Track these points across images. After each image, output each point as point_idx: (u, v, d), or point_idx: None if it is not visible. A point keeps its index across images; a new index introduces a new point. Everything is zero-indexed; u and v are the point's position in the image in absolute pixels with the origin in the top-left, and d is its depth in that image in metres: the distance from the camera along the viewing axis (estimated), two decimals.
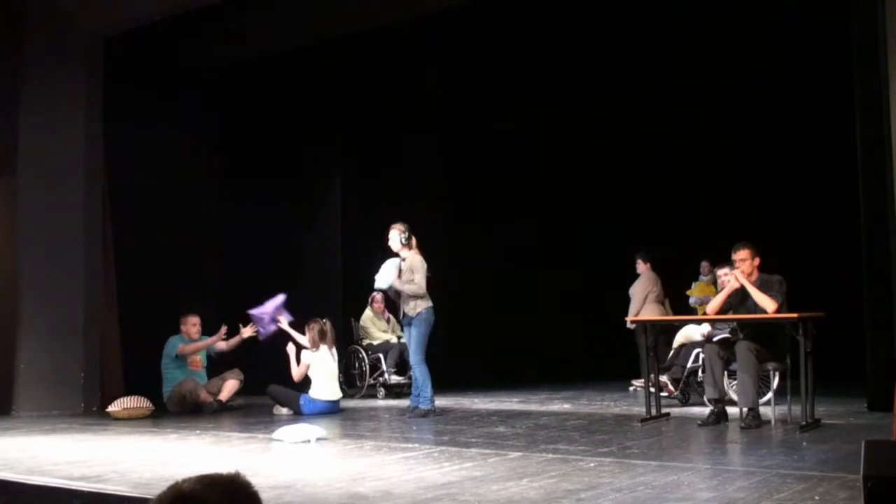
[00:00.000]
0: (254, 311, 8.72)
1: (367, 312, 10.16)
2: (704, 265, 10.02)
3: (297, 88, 10.74)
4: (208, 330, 9.07)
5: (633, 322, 8.79)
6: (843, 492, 3.89)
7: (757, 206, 11.13)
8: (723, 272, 7.40)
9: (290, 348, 8.32)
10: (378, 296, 10.15)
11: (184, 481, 1.56)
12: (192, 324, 8.92)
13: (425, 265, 7.70)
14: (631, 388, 9.89)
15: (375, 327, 10.12)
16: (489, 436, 6.23)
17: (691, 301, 9.89)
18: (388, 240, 7.83)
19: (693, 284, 10.07)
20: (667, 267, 10.64)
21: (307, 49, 10.25)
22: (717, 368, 6.48)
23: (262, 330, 8.69)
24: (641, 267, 10.15)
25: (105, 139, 9.30)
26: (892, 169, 6.78)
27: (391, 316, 10.27)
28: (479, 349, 11.21)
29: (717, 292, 7.32)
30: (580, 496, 3.94)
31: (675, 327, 8.41)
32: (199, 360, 8.91)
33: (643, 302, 9.89)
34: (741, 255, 6.55)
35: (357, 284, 10.29)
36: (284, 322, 8.56)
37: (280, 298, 8.66)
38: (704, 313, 7.69)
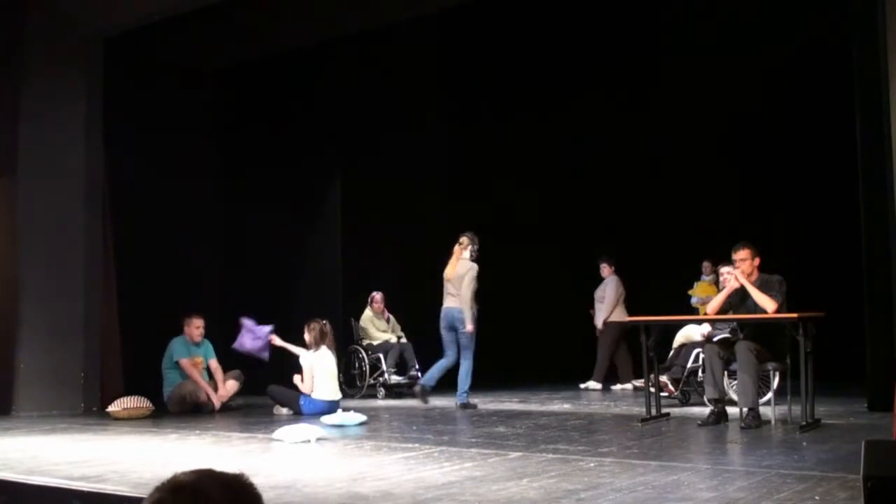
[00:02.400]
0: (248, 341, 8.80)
1: (367, 312, 10.16)
2: (706, 265, 10.06)
3: (298, 88, 10.74)
4: (209, 331, 9.07)
5: (630, 323, 8.82)
6: (843, 492, 3.89)
7: (757, 206, 11.12)
8: (725, 270, 7.42)
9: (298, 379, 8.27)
10: (378, 296, 10.15)
11: (183, 473, 1.56)
12: (196, 326, 8.91)
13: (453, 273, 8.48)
14: (583, 386, 10.21)
15: (375, 327, 10.12)
16: (489, 436, 6.23)
17: (693, 301, 9.91)
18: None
19: (695, 284, 10.09)
20: (668, 267, 10.65)
21: (307, 49, 10.24)
22: (717, 368, 6.48)
23: (253, 344, 8.76)
24: (607, 271, 10.58)
25: (105, 139, 9.30)
26: (892, 169, 6.78)
27: (391, 316, 10.28)
28: (480, 349, 11.20)
29: (718, 292, 7.32)
30: (580, 496, 3.94)
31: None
32: (200, 361, 8.90)
33: (615, 305, 10.31)
34: (741, 255, 6.55)
35: (357, 284, 10.31)
36: (277, 340, 8.70)
37: (265, 330, 8.80)
38: (705, 313, 7.70)
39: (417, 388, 8.71)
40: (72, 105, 9.04)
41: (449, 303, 8.39)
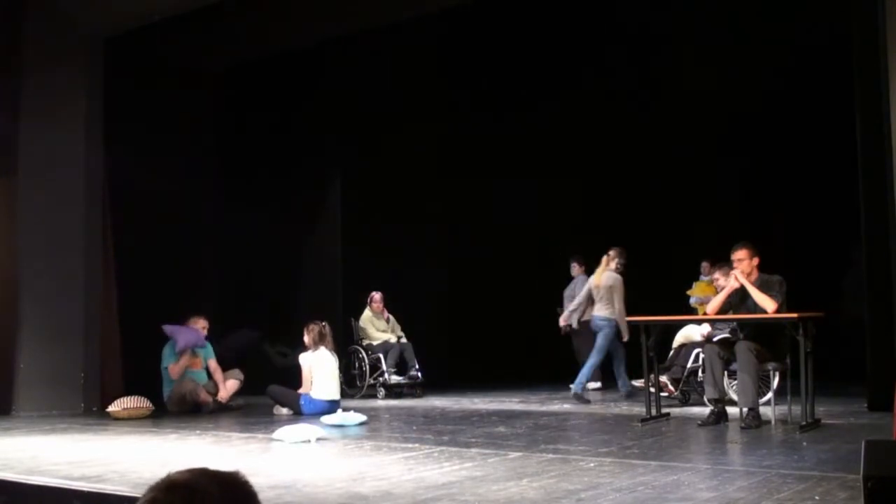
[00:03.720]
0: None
1: (367, 313, 10.13)
2: (705, 265, 10.04)
3: (298, 88, 10.74)
4: (209, 331, 9.06)
5: (631, 322, 8.83)
6: (843, 492, 3.89)
7: (757, 206, 11.12)
8: (717, 276, 7.44)
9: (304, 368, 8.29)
10: (377, 296, 10.11)
11: (178, 472, 1.56)
12: (202, 326, 8.92)
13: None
14: (591, 387, 10.13)
15: (374, 327, 10.09)
16: (489, 436, 6.23)
17: (692, 301, 9.90)
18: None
19: (693, 284, 10.08)
20: (667, 267, 10.64)
21: (307, 49, 10.24)
22: (717, 368, 6.47)
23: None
24: (577, 270, 10.61)
25: (105, 139, 9.30)
26: (892, 169, 6.78)
27: (390, 316, 10.25)
28: (479, 349, 11.21)
29: (717, 292, 7.31)
30: (580, 496, 3.94)
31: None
32: (199, 360, 8.90)
33: (587, 305, 10.17)
34: (739, 255, 6.55)
35: (357, 284, 10.31)
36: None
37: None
38: (705, 313, 7.69)
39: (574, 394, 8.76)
40: (72, 105, 9.05)
41: (594, 310, 9.09)
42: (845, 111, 7.83)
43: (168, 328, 8.79)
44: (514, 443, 5.81)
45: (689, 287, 10.08)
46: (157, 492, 1.51)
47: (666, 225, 11.57)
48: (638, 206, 11.92)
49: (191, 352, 8.81)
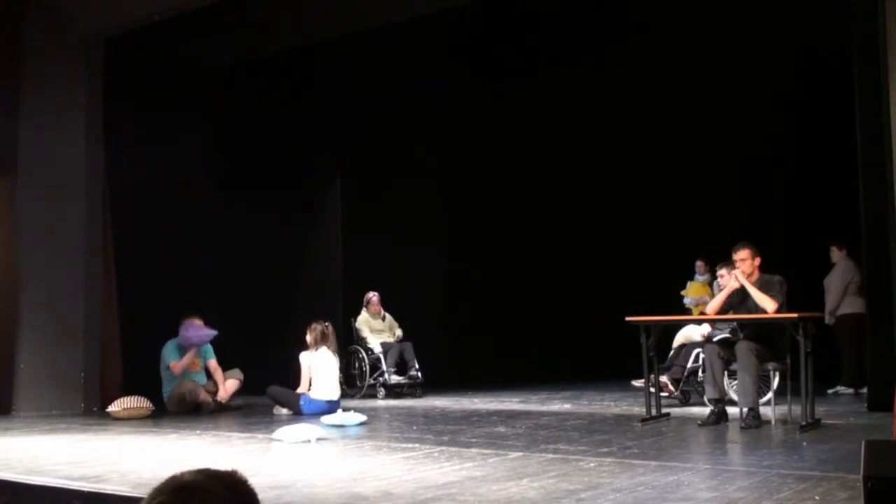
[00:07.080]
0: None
1: (363, 315, 10.06)
2: (699, 264, 9.87)
3: (298, 88, 10.74)
4: None
5: (632, 323, 8.81)
6: (843, 492, 3.89)
7: (757, 206, 11.11)
8: (720, 273, 7.44)
9: (303, 364, 8.28)
10: (374, 297, 10.07)
11: (182, 473, 1.56)
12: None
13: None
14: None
15: (370, 329, 10.04)
16: (489, 436, 6.23)
17: (686, 302, 9.78)
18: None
19: (688, 284, 9.97)
20: (667, 266, 10.63)
21: (307, 49, 10.24)
22: (717, 368, 6.47)
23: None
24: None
25: (105, 139, 9.30)
26: (892, 169, 6.78)
27: (388, 315, 10.21)
28: (480, 349, 11.20)
29: (711, 292, 7.31)
30: (580, 496, 3.94)
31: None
32: (198, 361, 8.90)
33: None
34: (741, 255, 6.55)
35: (357, 284, 10.30)
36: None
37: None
38: (701, 313, 7.68)
39: None
40: (72, 105, 9.05)
41: None
42: (845, 111, 7.83)
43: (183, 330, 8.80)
44: (514, 443, 5.80)
45: (683, 287, 10.01)
46: (164, 494, 1.51)
47: (664, 224, 11.56)
48: (636, 206, 11.93)
49: (195, 350, 8.82)
